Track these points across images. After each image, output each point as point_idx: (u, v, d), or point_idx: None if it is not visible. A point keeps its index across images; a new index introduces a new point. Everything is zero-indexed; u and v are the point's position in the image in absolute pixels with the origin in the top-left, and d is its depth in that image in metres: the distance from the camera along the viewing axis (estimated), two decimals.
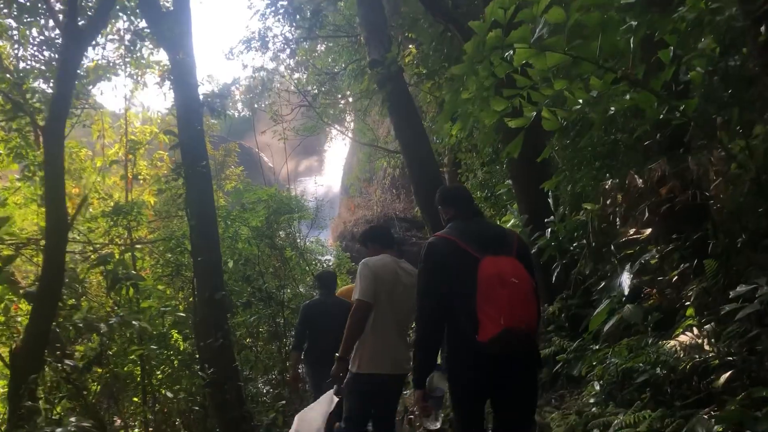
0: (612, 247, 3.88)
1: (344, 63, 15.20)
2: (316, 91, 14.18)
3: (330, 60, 15.96)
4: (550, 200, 4.60)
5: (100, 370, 6.29)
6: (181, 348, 8.45)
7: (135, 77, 9.78)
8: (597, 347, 4.09)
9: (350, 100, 16.71)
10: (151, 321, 7.60)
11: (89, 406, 8.12)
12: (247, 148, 31.12)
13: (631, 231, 3.60)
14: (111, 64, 9.46)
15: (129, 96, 9.78)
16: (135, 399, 8.44)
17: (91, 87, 9.85)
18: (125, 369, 8.14)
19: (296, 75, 15.85)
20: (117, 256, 6.54)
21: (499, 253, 2.81)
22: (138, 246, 8.22)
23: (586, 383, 4.29)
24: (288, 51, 13.36)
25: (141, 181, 10.01)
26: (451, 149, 9.76)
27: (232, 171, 16.83)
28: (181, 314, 7.21)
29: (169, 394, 7.67)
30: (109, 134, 10.49)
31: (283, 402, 6.69)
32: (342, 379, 3.91)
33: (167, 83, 9.76)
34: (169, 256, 8.05)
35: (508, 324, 2.60)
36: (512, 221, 6.18)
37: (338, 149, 36.16)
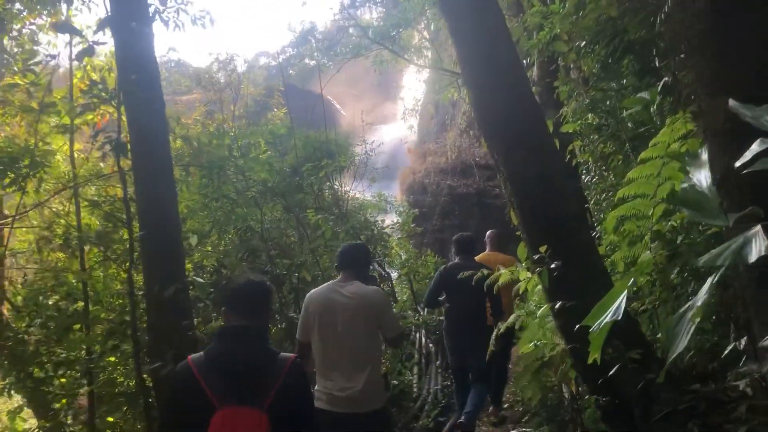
0: None
1: None
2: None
3: None
4: None
5: None
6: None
7: None
8: None
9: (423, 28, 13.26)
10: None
11: None
12: (315, 96, 28.53)
13: None
14: None
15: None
16: None
17: None
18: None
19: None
20: None
21: (247, 401, 2.16)
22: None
23: None
24: None
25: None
26: (542, 51, 5.91)
27: (275, 114, 13.97)
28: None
29: None
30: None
31: None
32: None
33: None
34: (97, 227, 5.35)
35: None
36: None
37: (416, 92, 33.05)
